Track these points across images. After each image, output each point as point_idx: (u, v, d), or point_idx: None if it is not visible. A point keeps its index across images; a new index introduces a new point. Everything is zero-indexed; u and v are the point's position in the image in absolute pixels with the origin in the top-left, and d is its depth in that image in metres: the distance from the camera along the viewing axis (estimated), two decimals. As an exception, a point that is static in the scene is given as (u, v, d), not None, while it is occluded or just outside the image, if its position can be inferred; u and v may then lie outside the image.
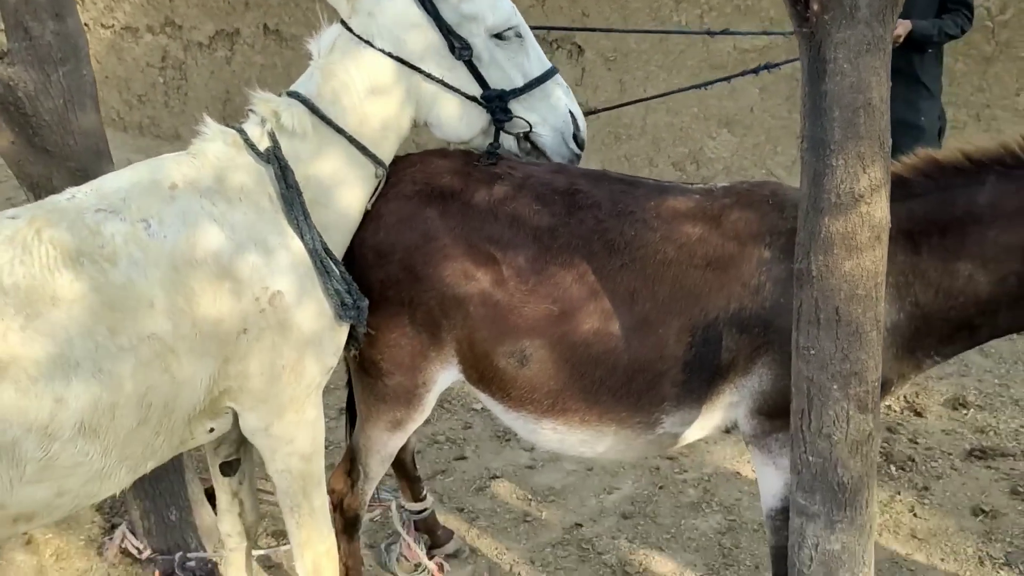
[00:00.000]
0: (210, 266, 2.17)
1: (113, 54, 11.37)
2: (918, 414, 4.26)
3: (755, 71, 3.57)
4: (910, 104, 4.33)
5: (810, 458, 2.07)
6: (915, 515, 3.60)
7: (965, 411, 4.29)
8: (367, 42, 2.44)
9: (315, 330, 2.34)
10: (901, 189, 2.23)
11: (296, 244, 2.31)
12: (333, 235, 2.44)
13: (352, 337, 2.52)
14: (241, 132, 2.40)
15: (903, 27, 4.12)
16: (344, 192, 2.47)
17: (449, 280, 2.46)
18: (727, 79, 3.71)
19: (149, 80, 11.18)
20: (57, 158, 2.96)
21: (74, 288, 2.01)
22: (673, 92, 4.41)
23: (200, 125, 2.43)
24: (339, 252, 2.47)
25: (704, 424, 2.49)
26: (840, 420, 2.00)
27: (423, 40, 2.48)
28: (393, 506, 3.40)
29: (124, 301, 2.05)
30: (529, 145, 2.67)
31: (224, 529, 2.96)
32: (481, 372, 2.53)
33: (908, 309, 2.25)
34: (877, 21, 1.74)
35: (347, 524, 2.91)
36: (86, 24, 11.24)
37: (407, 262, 2.49)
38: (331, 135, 2.42)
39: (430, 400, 2.67)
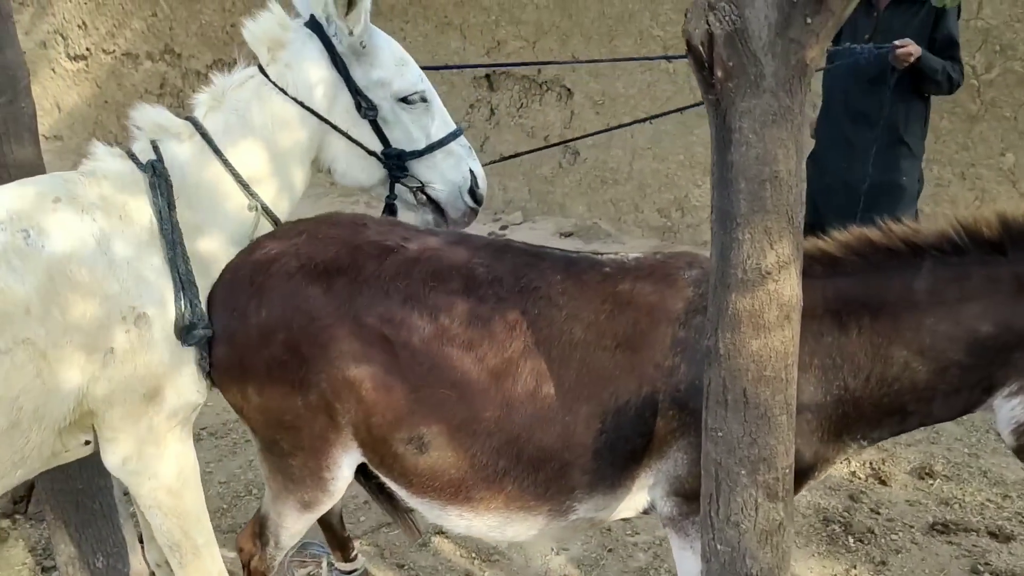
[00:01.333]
0: (84, 279, 2.22)
1: (113, 80, 11.42)
2: (883, 482, 4.11)
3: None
4: (891, 164, 4.26)
5: (719, 546, 1.94)
6: (870, 592, 3.45)
7: (931, 481, 4.14)
8: (281, 89, 2.59)
9: (177, 359, 2.36)
10: (831, 267, 2.13)
11: (165, 266, 2.35)
12: (198, 259, 2.46)
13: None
14: (128, 150, 2.50)
15: (917, 51, 4.00)
16: (215, 219, 2.53)
17: (338, 362, 2.30)
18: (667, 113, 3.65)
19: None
20: (-11, 193, 2.90)
21: None
22: (612, 129, 4.41)
23: (90, 146, 2.53)
24: (201, 278, 2.45)
25: (621, 508, 2.36)
26: (748, 508, 1.88)
27: (333, 96, 2.65)
28: (323, 564, 3.28)
29: (2, 305, 2.12)
30: (424, 197, 2.83)
31: (152, 559, 3.01)
32: (381, 457, 2.40)
33: (835, 393, 2.12)
34: (784, 91, 1.65)
35: None
36: (87, 49, 11.32)
37: (291, 343, 2.34)
38: (212, 161, 2.52)
39: (341, 482, 2.51)
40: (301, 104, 2.59)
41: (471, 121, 8.61)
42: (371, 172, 2.75)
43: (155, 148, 2.48)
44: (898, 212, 4.20)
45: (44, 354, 2.15)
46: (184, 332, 2.35)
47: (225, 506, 4.08)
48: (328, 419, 2.37)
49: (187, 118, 2.56)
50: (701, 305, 2.18)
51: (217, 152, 2.51)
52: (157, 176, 2.41)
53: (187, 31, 10.39)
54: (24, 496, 4.00)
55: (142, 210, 2.38)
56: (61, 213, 2.28)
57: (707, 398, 1.90)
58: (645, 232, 7.68)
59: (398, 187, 2.78)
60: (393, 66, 2.70)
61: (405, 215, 2.88)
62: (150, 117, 2.54)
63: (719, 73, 1.66)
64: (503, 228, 8.14)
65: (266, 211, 2.60)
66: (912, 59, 4.01)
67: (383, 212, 2.80)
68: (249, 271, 2.47)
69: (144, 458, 2.39)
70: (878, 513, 3.92)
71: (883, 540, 3.73)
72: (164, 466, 2.43)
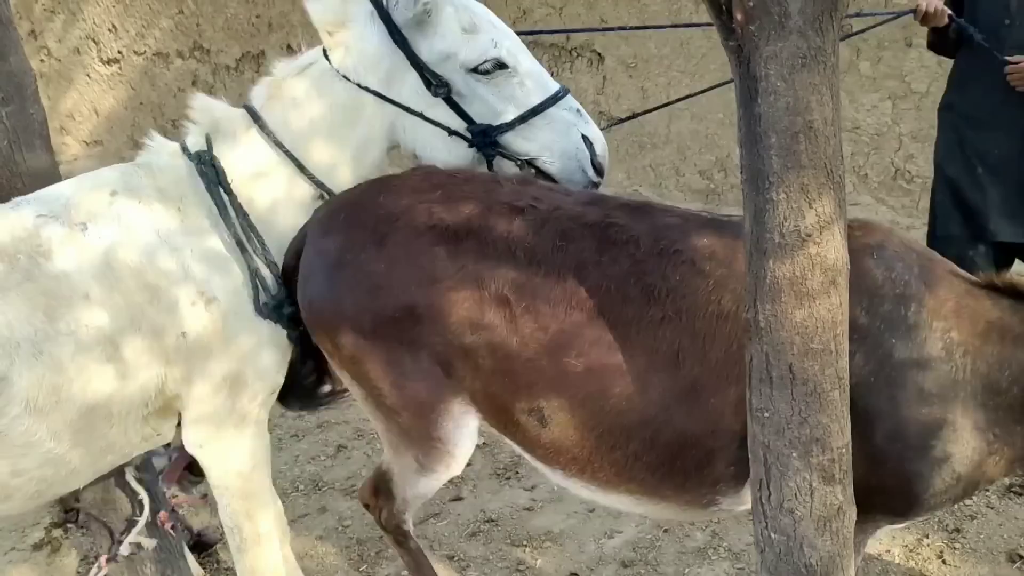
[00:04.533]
0: (144, 267, 2.24)
1: (147, 80, 11.46)
2: (952, 444, 3.89)
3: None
4: None
5: (772, 535, 1.78)
6: (944, 562, 3.25)
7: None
8: (343, 76, 2.45)
9: (254, 341, 2.34)
10: None
11: (233, 251, 2.34)
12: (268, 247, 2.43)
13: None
14: (182, 142, 2.47)
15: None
16: (279, 209, 2.48)
17: (456, 327, 2.15)
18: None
19: (182, 104, 11.24)
20: (3, 202, 2.85)
21: (10, 278, 2.16)
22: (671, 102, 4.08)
23: (146, 138, 2.52)
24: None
25: None
26: (803, 493, 1.72)
27: (400, 77, 2.47)
28: None
29: (58, 290, 2.17)
30: (534, 171, 2.53)
31: None
32: (503, 425, 2.26)
33: None
34: (812, 30, 1.46)
35: (393, 536, 2.72)
36: (119, 52, 11.39)
37: (408, 303, 2.19)
38: (271, 152, 2.44)
39: (460, 448, 2.35)
40: (366, 89, 2.44)
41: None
42: (458, 153, 2.51)
43: (208, 140, 2.44)
44: None
45: (111, 340, 2.19)
46: (273, 311, 2.35)
47: (272, 504, 4.03)
48: (436, 384, 2.23)
49: (245, 107, 2.49)
50: (882, 276, 1.99)
51: (277, 144, 2.43)
52: (204, 164, 2.38)
53: (214, 26, 10.37)
54: (75, 506, 4.00)
55: (200, 199, 2.37)
56: (118, 205, 2.30)
57: (749, 376, 1.74)
58: (688, 196, 7.45)
59: (501, 164, 2.51)
60: (459, 34, 2.45)
61: None
62: (207, 108, 2.49)
63: (739, 15, 1.49)
64: (542, 202, 7.99)
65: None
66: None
67: None
68: (373, 215, 2.32)
69: (223, 439, 2.40)
70: (949, 477, 3.71)
71: (956, 506, 3.52)
72: (239, 449, 2.44)
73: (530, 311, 2.09)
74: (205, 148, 2.43)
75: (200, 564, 3.54)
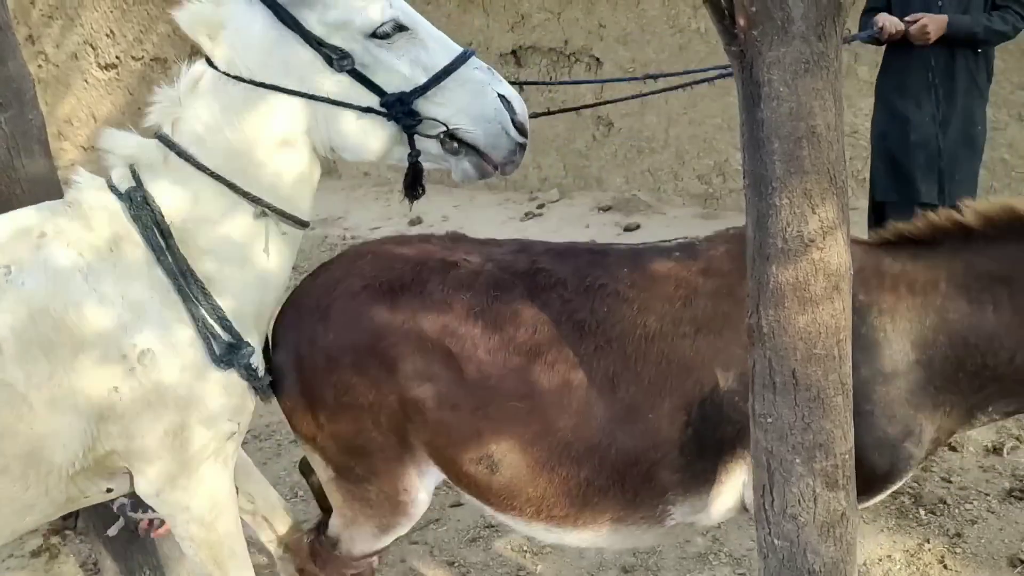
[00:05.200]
0: (71, 318, 2.07)
1: (144, 86, 11.45)
2: (952, 449, 3.88)
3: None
4: (970, 114, 3.98)
5: (776, 541, 1.78)
6: (945, 566, 3.24)
7: (1006, 446, 3.90)
8: (235, 77, 2.19)
9: (198, 389, 2.18)
10: (963, 240, 2.05)
11: (171, 297, 2.16)
12: (214, 281, 2.24)
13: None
14: (108, 178, 2.27)
15: (934, 22, 3.72)
16: (220, 236, 2.27)
17: (404, 381, 2.22)
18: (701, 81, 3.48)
19: (179, 110, 11.24)
20: (3, 209, 2.84)
21: None
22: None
23: (73, 174, 2.32)
24: (224, 299, 2.26)
25: (718, 506, 2.21)
26: (806, 499, 1.71)
27: (296, 60, 2.21)
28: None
29: None
30: (457, 144, 2.29)
31: None
32: (456, 476, 2.29)
33: (970, 369, 2.04)
34: (815, 35, 1.46)
35: None
36: (117, 58, 11.38)
37: (359, 365, 2.25)
38: (197, 177, 2.23)
39: (420, 504, 2.40)
40: (262, 84, 2.19)
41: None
42: (377, 132, 2.26)
43: (134, 175, 2.24)
44: (976, 162, 4.06)
45: (25, 398, 2.02)
46: (226, 355, 2.20)
47: (271, 510, 4.01)
48: (400, 440, 2.27)
49: (156, 136, 2.26)
50: None
51: (200, 167, 2.22)
52: (136, 206, 2.19)
53: (212, 31, 10.37)
54: (75, 512, 3.98)
55: (134, 242, 2.18)
56: (46, 250, 2.12)
57: (753, 382, 1.73)
58: (686, 201, 7.46)
59: (420, 141, 2.28)
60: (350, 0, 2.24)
61: (440, 173, 2.47)
62: (119, 143, 2.29)
63: (741, 21, 1.49)
64: (540, 207, 7.97)
65: (281, 213, 2.29)
66: (930, 33, 3.74)
67: (407, 176, 2.32)
68: (315, 296, 2.39)
69: (176, 490, 2.26)
70: (950, 482, 3.70)
71: (957, 510, 3.52)
72: (196, 499, 2.29)
73: (472, 360, 2.18)
74: (133, 184, 2.23)
75: (199, 571, 3.52)
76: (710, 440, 2.09)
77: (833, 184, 1.55)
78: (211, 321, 2.19)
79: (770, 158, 1.54)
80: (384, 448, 2.28)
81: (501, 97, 2.28)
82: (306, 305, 2.41)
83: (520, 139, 2.31)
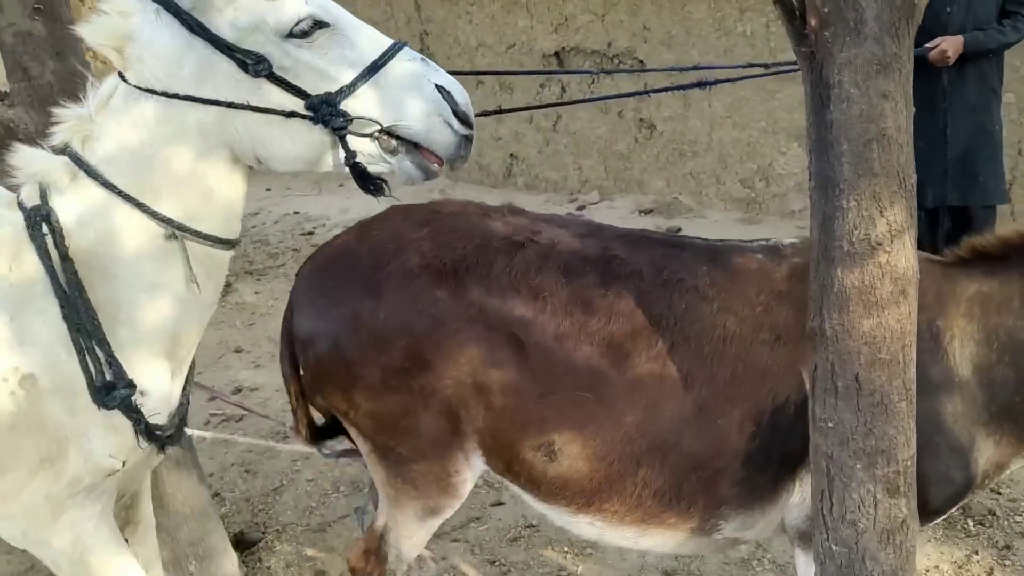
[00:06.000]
0: None
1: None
2: (1002, 460, 3.82)
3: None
4: (986, 115, 4.07)
5: (834, 547, 1.76)
6: (995, 580, 3.19)
7: (1058, 456, 3.83)
8: (147, 90, 2.07)
9: (83, 421, 2.09)
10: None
11: (60, 324, 2.06)
12: (121, 307, 2.13)
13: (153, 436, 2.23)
14: (17, 194, 2.17)
15: (952, 45, 3.82)
16: (127, 259, 2.14)
17: (466, 368, 2.16)
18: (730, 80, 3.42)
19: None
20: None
21: None
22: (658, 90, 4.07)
23: None
24: (124, 328, 2.16)
25: (763, 527, 2.18)
26: (866, 505, 1.70)
27: (209, 68, 2.07)
28: None
29: None
30: (395, 142, 2.13)
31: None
32: (506, 464, 2.25)
33: None
34: (889, 36, 1.45)
35: None
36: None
37: (415, 350, 2.18)
38: (105, 196, 2.12)
39: (466, 486, 2.37)
40: (175, 96, 2.06)
41: (542, 99, 8.43)
42: (305, 138, 2.11)
43: (42, 193, 2.13)
44: (998, 160, 4.13)
45: None
46: (100, 394, 2.07)
47: (313, 504, 4.05)
48: (450, 425, 2.23)
49: (66, 153, 2.15)
50: None
51: (108, 186, 2.10)
52: (36, 226, 2.07)
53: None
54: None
55: (32, 260, 2.07)
56: None
57: (814, 385, 1.72)
58: (728, 205, 7.41)
59: (353, 141, 2.11)
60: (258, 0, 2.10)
61: (385, 175, 2.23)
62: (27, 161, 2.18)
63: (813, 21, 1.48)
64: (580, 208, 7.96)
65: (194, 232, 2.15)
66: (950, 57, 3.83)
67: (354, 178, 2.15)
68: (360, 265, 2.29)
69: (39, 526, 2.15)
70: (999, 493, 3.64)
71: (1006, 522, 3.46)
72: (57, 535, 2.18)
73: (540, 347, 2.14)
74: (40, 203, 2.12)
75: (243, 562, 3.56)
76: (775, 455, 2.04)
77: (902, 187, 1.53)
78: (99, 353, 2.08)
79: (838, 160, 1.53)
80: (432, 431, 2.23)
81: (439, 88, 2.11)
82: (346, 273, 2.31)
83: (464, 131, 2.13)
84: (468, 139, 2.15)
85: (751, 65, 3.61)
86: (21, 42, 2.88)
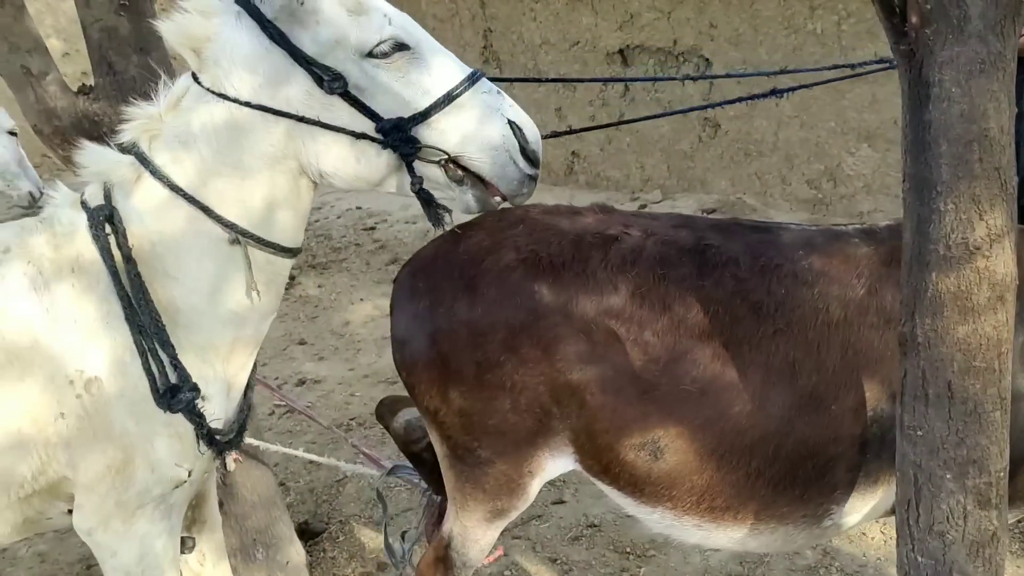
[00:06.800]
0: (21, 337, 2.00)
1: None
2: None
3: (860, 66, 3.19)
4: None
5: (919, 559, 1.72)
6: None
7: None
8: (219, 94, 2.06)
9: (147, 428, 2.08)
10: None
11: (123, 325, 2.06)
12: (181, 311, 2.12)
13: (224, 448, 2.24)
14: (81, 193, 2.17)
15: None
16: (190, 264, 2.13)
17: (561, 364, 2.13)
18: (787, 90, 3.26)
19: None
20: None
21: None
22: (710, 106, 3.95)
23: (50, 189, 2.24)
24: (187, 332, 2.14)
25: (869, 512, 2.14)
26: (955, 516, 1.65)
27: (285, 79, 2.06)
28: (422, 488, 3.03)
29: None
30: (461, 172, 2.13)
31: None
32: (604, 465, 2.22)
33: None
34: (993, 35, 1.41)
35: None
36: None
37: (511, 344, 2.16)
38: (170, 198, 2.10)
39: (535, 488, 2.36)
40: (247, 104, 2.05)
41: (605, 99, 8.39)
42: (371, 161, 2.10)
43: (106, 193, 2.12)
44: None
45: None
46: (165, 397, 2.06)
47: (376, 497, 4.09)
48: (538, 424, 2.21)
49: (132, 153, 2.14)
50: None
51: (173, 187, 2.08)
52: (99, 226, 2.07)
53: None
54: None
55: (95, 261, 2.07)
56: (5, 267, 2.05)
57: (903, 392, 1.68)
58: (794, 206, 7.29)
59: (420, 167, 2.10)
60: (345, 16, 2.05)
61: (447, 202, 2.23)
62: (93, 160, 2.17)
63: (914, 18, 1.44)
64: (642, 207, 7.91)
65: (257, 239, 2.13)
66: None
67: (420, 203, 2.16)
68: (456, 263, 2.28)
69: (109, 534, 2.16)
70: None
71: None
72: (126, 546, 2.18)
73: (639, 342, 2.10)
74: (103, 202, 2.11)
75: (307, 552, 3.61)
76: (889, 439, 1.97)
77: (1003, 190, 1.49)
78: (162, 355, 2.06)
79: (936, 161, 1.49)
80: (517, 430, 2.21)
81: (511, 123, 2.10)
82: (443, 272, 2.31)
83: (530, 170, 2.13)
84: (532, 178, 2.14)
85: (836, 67, 3.46)
86: (107, 37, 2.96)
